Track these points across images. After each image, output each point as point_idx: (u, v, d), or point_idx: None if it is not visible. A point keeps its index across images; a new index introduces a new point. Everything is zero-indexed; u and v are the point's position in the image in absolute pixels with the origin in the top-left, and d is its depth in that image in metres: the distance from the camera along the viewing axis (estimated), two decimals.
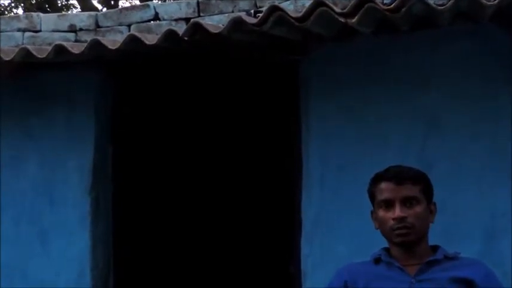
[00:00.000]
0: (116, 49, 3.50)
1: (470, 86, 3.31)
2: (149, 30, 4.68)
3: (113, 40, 3.80)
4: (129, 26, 4.82)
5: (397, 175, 2.32)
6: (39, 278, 4.08)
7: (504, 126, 3.24)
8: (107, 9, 10.50)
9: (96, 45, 3.54)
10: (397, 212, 2.28)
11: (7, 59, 3.75)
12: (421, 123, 3.37)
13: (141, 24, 4.79)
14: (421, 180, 2.35)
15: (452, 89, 3.33)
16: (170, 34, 3.36)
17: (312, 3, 3.09)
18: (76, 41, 4.82)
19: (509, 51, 3.26)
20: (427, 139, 3.36)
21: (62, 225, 4.06)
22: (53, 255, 4.07)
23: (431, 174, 2.42)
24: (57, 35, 4.90)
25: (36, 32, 4.99)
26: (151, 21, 4.80)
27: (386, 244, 2.38)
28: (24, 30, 4.97)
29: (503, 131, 3.24)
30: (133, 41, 3.46)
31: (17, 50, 3.78)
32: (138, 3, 10.11)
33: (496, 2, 2.97)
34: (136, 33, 3.55)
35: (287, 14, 3.10)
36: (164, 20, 4.76)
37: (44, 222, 4.11)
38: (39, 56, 3.67)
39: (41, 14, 5.15)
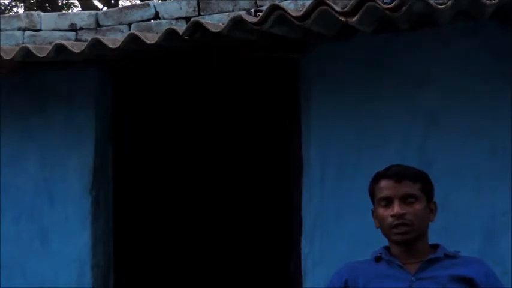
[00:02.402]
0: (116, 48, 3.49)
1: (470, 85, 3.30)
2: (149, 29, 4.68)
3: (113, 39, 3.80)
4: (129, 25, 4.82)
5: (397, 173, 2.33)
6: (39, 277, 4.08)
7: (504, 125, 3.24)
8: (107, 8, 10.50)
9: (96, 44, 3.54)
10: (396, 208, 2.28)
11: (7, 58, 3.75)
12: (421, 122, 3.37)
13: (142, 23, 4.79)
14: (421, 179, 2.36)
15: (453, 87, 3.33)
16: (170, 33, 3.36)
17: (312, 2, 3.08)
18: (76, 40, 4.82)
19: (509, 49, 3.26)
20: (427, 138, 3.36)
21: (63, 224, 4.06)
22: (53, 254, 4.07)
23: (431, 173, 2.42)
24: (57, 34, 4.90)
25: (37, 31, 4.99)
26: (152, 20, 4.80)
27: (386, 243, 2.38)
28: (24, 29, 4.97)
29: (503, 129, 3.24)
30: (133, 40, 3.46)
31: (17, 49, 3.78)
32: (138, 2, 10.11)
33: (496, 0, 2.96)
34: (137, 32, 3.54)
35: (287, 13, 3.10)
36: (164, 19, 4.76)
37: (44, 221, 4.11)
38: (40, 55, 3.67)
39: (41, 13, 5.15)
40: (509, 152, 3.22)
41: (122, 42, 3.47)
